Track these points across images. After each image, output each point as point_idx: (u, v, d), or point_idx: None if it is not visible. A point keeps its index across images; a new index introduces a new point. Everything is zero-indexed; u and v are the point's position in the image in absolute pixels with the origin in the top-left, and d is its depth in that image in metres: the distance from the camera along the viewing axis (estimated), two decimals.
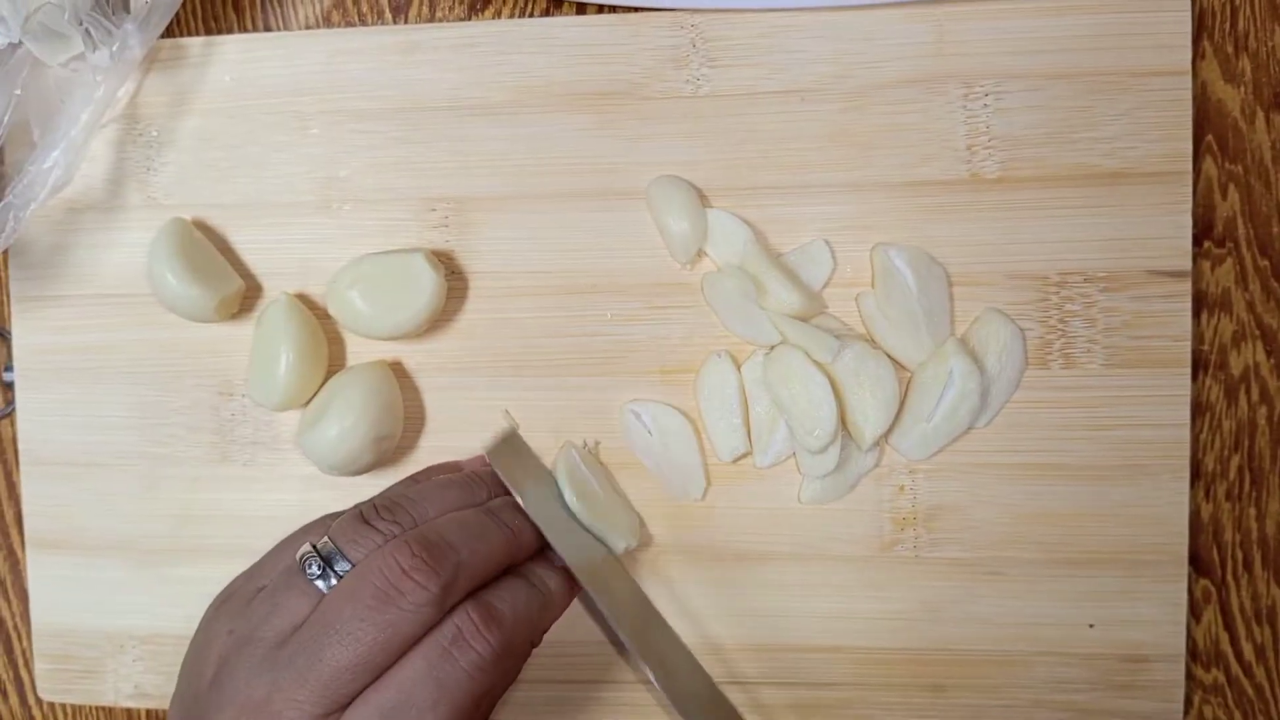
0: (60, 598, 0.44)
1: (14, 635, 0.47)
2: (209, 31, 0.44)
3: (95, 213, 0.43)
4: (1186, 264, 0.39)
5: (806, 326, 0.39)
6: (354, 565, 0.32)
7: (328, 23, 0.44)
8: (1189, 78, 0.39)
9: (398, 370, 0.42)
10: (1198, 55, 0.40)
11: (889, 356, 0.39)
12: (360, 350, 0.42)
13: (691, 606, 0.41)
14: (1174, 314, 0.39)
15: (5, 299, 0.44)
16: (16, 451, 0.44)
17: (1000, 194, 0.39)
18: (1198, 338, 0.41)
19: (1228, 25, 0.40)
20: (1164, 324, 0.39)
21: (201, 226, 0.43)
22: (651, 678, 0.36)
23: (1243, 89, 0.40)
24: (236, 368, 0.43)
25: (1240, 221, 0.40)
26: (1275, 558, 0.41)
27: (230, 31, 0.44)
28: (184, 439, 0.43)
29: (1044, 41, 0.39)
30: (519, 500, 0.36)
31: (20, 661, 0.47)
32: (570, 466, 0.38)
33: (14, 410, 0.44)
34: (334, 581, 0.32)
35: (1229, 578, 0.41)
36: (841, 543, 0.41)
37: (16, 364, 0.44)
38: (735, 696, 0.40)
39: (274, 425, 0.43)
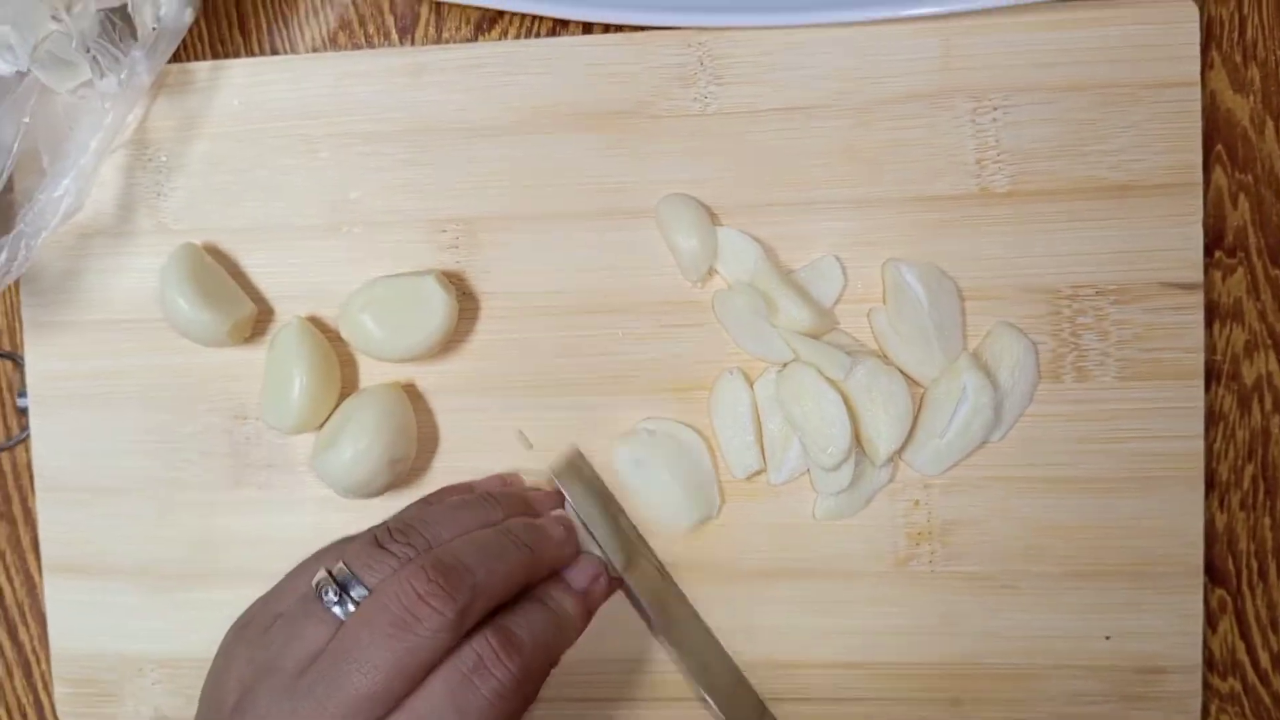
0: (78, 622, 0.44)
1: (33, 659, 0.47)
2: (216, 55, 0.44)
3: (106, 238, 0.43)
4: (1198, 276, 0.39)
5: (818, 343, 0.39)
6: (370, 591, 0.33)
7: (334, 44, 0.44)
8: (1198, 89, 0.39)
9: (411, 392, 0.42)
10: (1206, 65, 0.40)
11: (901, 372, 0.39)
12: (373, 372, 0.42)
13: (708, 623, 0.41)
14: (1186, 325, 0.39)
15: (19, 325, 0.44)
16: (32, 477, 0.44)
17: (1010, 208, 0.39)
18: (1210, 348, 0.41)
19: (1236, 35, 0.40)
20: (1176, 336, 0.39)
21: (212, 251, 0.43)
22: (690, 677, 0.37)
23: (1252, 98, 0.40)
24: (250, 392, 0.43)
25: (1251, 231, 0.40)
26: None
27: (238, 55, 0.44)
28: (198, 463, 0.43)
29: (1052, 54, 0.39)
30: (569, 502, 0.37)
31: (40, 685, 0.47)
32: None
33: (29, 436, 0.44)
34: (351, 608, 0.33)
35: (1244, 587, 0.41)
36: (857, 558, 0.41)
37: (31, 390, 0.44)
38: None
39: (288, 449, 0.43)
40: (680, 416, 0.41)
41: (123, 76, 0.40)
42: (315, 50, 0.44)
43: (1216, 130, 0.40)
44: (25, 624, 0.47)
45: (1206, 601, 0.41)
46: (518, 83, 0.41)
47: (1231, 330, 0.41)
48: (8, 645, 0.47)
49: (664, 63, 0.41)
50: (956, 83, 0.39)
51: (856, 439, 0.39)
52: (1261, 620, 0.41)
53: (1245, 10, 0.40)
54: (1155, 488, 0.39)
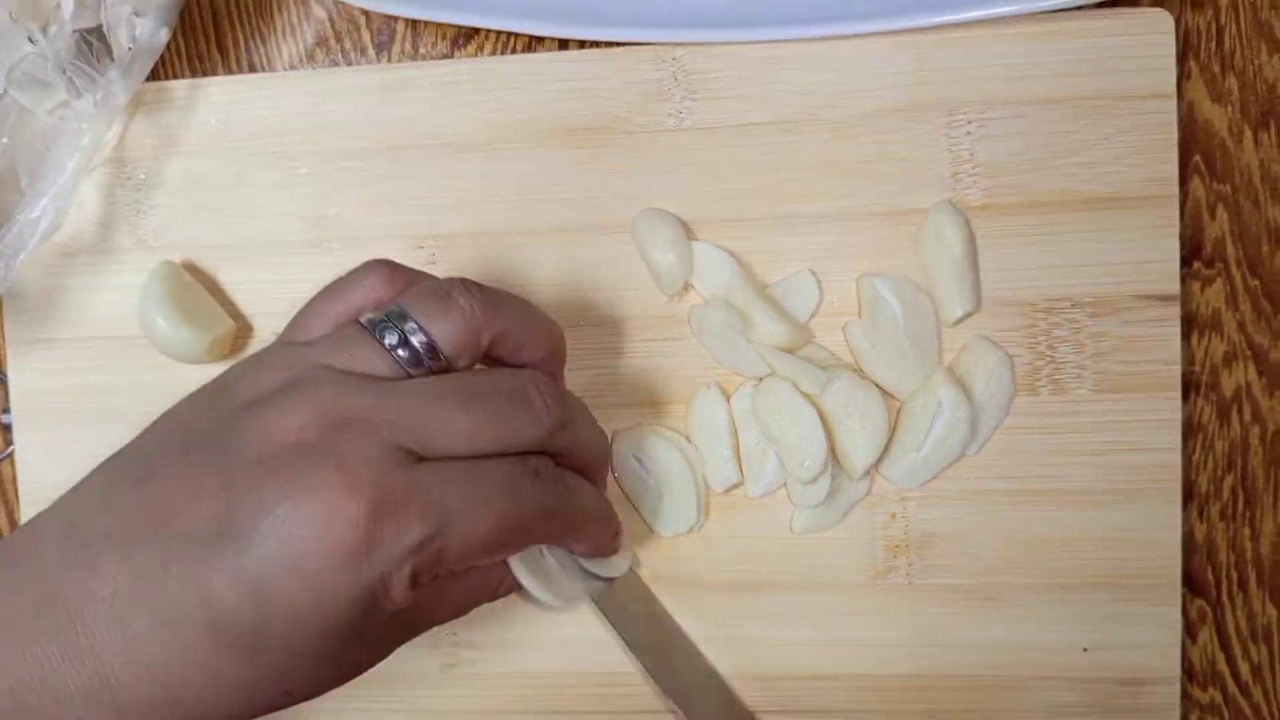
0: None
1: None
2: (194, 72, 0.44)
3: (86, 256, 0.43)
4: (1175, 288, 0.39)
5: (794, 358, 0.39)
6: (433, 337, 0.31)
7: (312, 61, 0.44)
8: (1174, 100, 0.38)
9: None
10: (1184, 75, 0.40)
11: (877, 386, 0.39)
12: None
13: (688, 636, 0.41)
14: (1163, 338, 0.39)
15: (1, 342, 0.45)
16: (17, 492, 0.45)
17: (985, 221, 0.39)
18: (1188, 359, 0.40)
19: (1213, 44, 0.40)
20: (1153, 348, 0.39)
21: (191, 268, 0.43)
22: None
23: (1230, 108, 0.40)
24: None
25: (1229, 242, 0.40)
26: (1270, 577, 0.41)
27: (215, 72, 0.44)
28: None
29: (1026, 67, 0.39)
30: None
31: None
32: None
33: (13, 451, 0.45)
34: (415, 347, 0.31)
35: (1224, 598, 0.41)
36: (835, 571, 0.41)
37: (14, 406, 0.44)
38: None
39: None
40: (658, 431, 0.41)
41: (99, 96, 0.40)
42: (293, 67, 0.44)
43: (1194, 141, 0.40)
44: None
45: (1186, 612, 0.41)
46: (494, 99, 0.41)
47: (1210, 341, 0.41)
48: None
49: (639, 78, 0.41)
50: (931, 97, 0.39)
51: (833, 453, 0.39)
52: (1241, 631, 0.41)
53: (1223, 20, 0.40)
54: (1134, 499, 0.39)
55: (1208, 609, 0.41)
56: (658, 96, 0.41)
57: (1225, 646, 0.41)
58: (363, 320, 0.32)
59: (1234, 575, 0.41)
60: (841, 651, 0.41)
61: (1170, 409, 0.39)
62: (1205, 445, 0.41)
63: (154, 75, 0.43)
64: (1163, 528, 0.39)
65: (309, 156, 0.42)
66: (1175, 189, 0.39)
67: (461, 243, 0.42)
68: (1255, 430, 0.41)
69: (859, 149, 0.40)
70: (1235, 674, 0.41)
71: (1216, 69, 0.40)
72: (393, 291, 0.33)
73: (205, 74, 0.44)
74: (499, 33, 0.42)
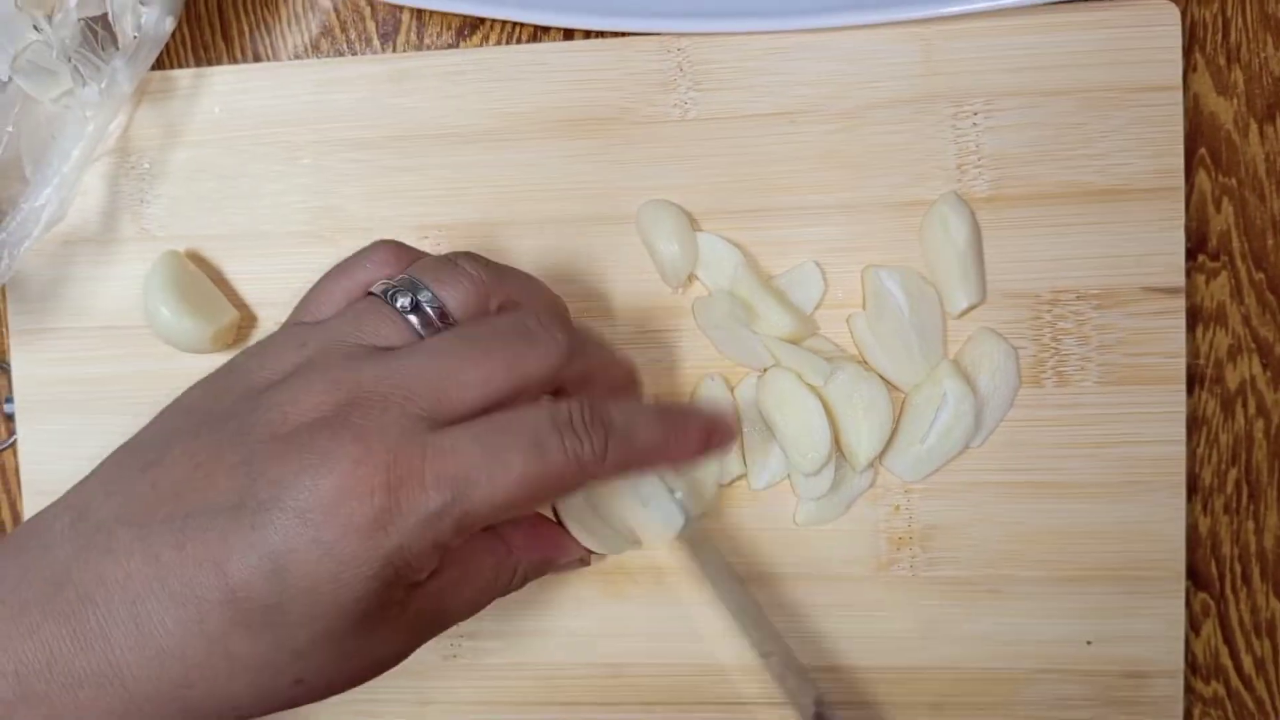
0: None
1: None
2: (199, 61, 0.44)
3: (90, 246, 0.43)
4: (1180, 280, 0.39)
5: (798, 349, 0.39)
6: (443, 301, 0.31)
7: (317, 50, 0.44)
8: (1180, 92, 0.38)
9: None
10: (1189, 68, 0.40)
11: (882, 378, 0.39)
12: None
13: (690, 628, 0.41)
14: (1168, 330, 0.39)
15: (4, 332, 0.45)
16: (20, 483, 0.45)
17: (991, 212, 0.39)
18: (1193, 352, 0.40)
19: (1219, 37, 0.40)
20: (1158, 340, 0.39)
21: (195, 258, 0.43)
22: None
23: (1235, 101, 0.40)
24: None
25: (1235, 235, 0.40)
26: (1274, 570, 0.41)
27: (220, 62, 0.44)
28: None
29: (1033, 59, 0.39)
30: None
31: None
32: None
33: (16, 441, 0.45)
34: (428, 312, 0.31)
35: (1228, 591, 0.41)
36: (838, 563, 0.41)
37: (17, 396, 0.44)
38: (735, 717, 0.41)
39: None
40: None
41: (104, 85, 0.40)
42: (297, 57, 0.44)
43: (1200, 134, 0.40)
44: None
45: (1190, 605, 0.41)
46: (499, 89, 0.41)
47: (1215, 334, 0.40)
48: None
49: (644, 69, 0.40)
50: (937, 88, 0.39)
51: (837, 445, 0.39)
52: (1245, 624, 0.41)
53: (1229, 13, 0.40)
54: (1138, 492, 0.39)
55: (1211, 602, 0.41)
56: (663, 87, 0.40)
57: (1229, 640, 0.41)
58: (374, 290, 0.32)
59: (1238, 569, 0.41)
60: (844, 644, 0.41)
61: (1175, 402, 0.39)
62: (1209, 438, 0.41)
63: (159, 64, 0.42)
64: (1167, 521, 0.39)
65: (313, 146, 0.42)
66: (1181, 181, 0.39)
67: (465, 233, 0.42)
68: (1260, 424, 0.41)
69: (865, 140, 0.40)
70: (1238, 667, 0.41)
71: (1222, 61, 0.40)
72: (400, 267, 0.33)
73: (210, 63, 0.44)
74: (504, 23, 0.42)
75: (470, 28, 0.43)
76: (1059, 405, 0.39)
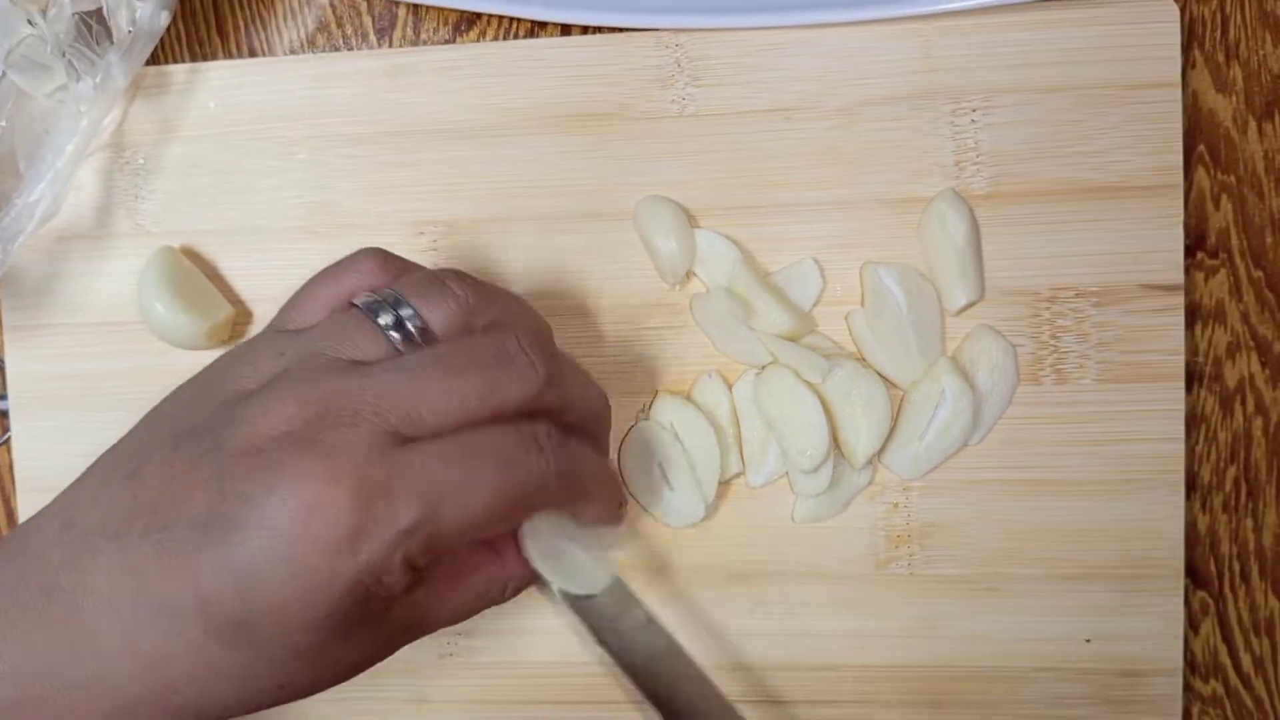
0: None
1: None
2: (194, 57, 0.44)
3: (84, 241, 0.43)
4: (1179, 277, 0.39)
5: (796, 346, 0.39)
6: (426, 321, 0.31)
7: (313, 46, 0.43)
8: (1179, 89, 0.38)
9: None
10: (1188, 65, 0.40)
11: (880, 375, 0.39)
12: None
13: (686, 626, 0.41)
14: (1167, 328, 0.39)
15: None
16: (14, 479, 0.44)
17: (989, 209, 0.39)
18: (1192, 349, 0.40)
19: (1218, 34, 0.40)
20: (1157, 338, 0.39)
21: (190, 253, 0.43)
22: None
23: (1234, 98, 0.40)
24: None
25: (1234, 232, 0.40)
26: (1273, 569, 0.41)
27: (215, 57, 0.44)
28: None
29: (1031, 55, 0.39)
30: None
31: None
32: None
33: (9, 438, 0.44)
34: (409, 329, 0.31)
35: (1226, 589, 0.41)
36: (836, 561, 0.41)
37: (11, 392, 0.44)
38: None
39: None
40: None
41: (98, 80, 0.40)
42: (293, 52, 0.43)
43: (1198, 131, 0.40)
44: None
45: (1188, 604, 0.41)
46: (496, 84, 0.41)
47: (1213, 332, 0.40)
48: None
49: (642, 64, 0.40)
50: (935, 84, 0.39)
51: (835, 442, 0.39)
52: (1244, 623, 0.41)
53: (1228, 10, 0.40)
54: (1136, 490, 0.39)
55: (1210, 601, 0.41)
56: (660, 83, 0.40)
57: (1227, 638, 0.41)
58: (357, 302, 0.32)
59: (1236, 567, 0.41)
60: (842, 642, 0.41)
61: (1173, 399, 0.39)
62: (1208, 436, 0.41)
63: (154, 59, 0.42)
64: (1165, 519, 0.39)
65: (309, 142, 0.42)
66: (1180, 179, 0.39)
67: (461, 229, 0.41)
68: (1258, 421, 0.40)
69: (863, 136, 0.40)
70: (1237, 666, 0.41)
71: (1221, 59, 0.40)
72: (386, 278, 0.33)
73: (205, 58, 0.44)
74: (501, 18, 0.42)
75: (467, 23, 0.43)
76: (1057, 403, 0.39)
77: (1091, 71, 0.39)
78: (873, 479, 0.40)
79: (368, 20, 0.43)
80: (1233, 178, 0.40)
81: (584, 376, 0.35)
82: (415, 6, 0.43)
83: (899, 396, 0.40)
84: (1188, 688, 0.41)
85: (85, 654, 0.28)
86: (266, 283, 0.42)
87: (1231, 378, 0.40)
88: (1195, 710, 0.41)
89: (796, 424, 0.39)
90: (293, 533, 0.27)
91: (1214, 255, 0.40)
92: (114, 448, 0.33)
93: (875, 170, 0.40)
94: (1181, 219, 0.39)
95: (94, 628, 0.28)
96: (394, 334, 0.31)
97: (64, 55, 0.39)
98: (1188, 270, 0.40)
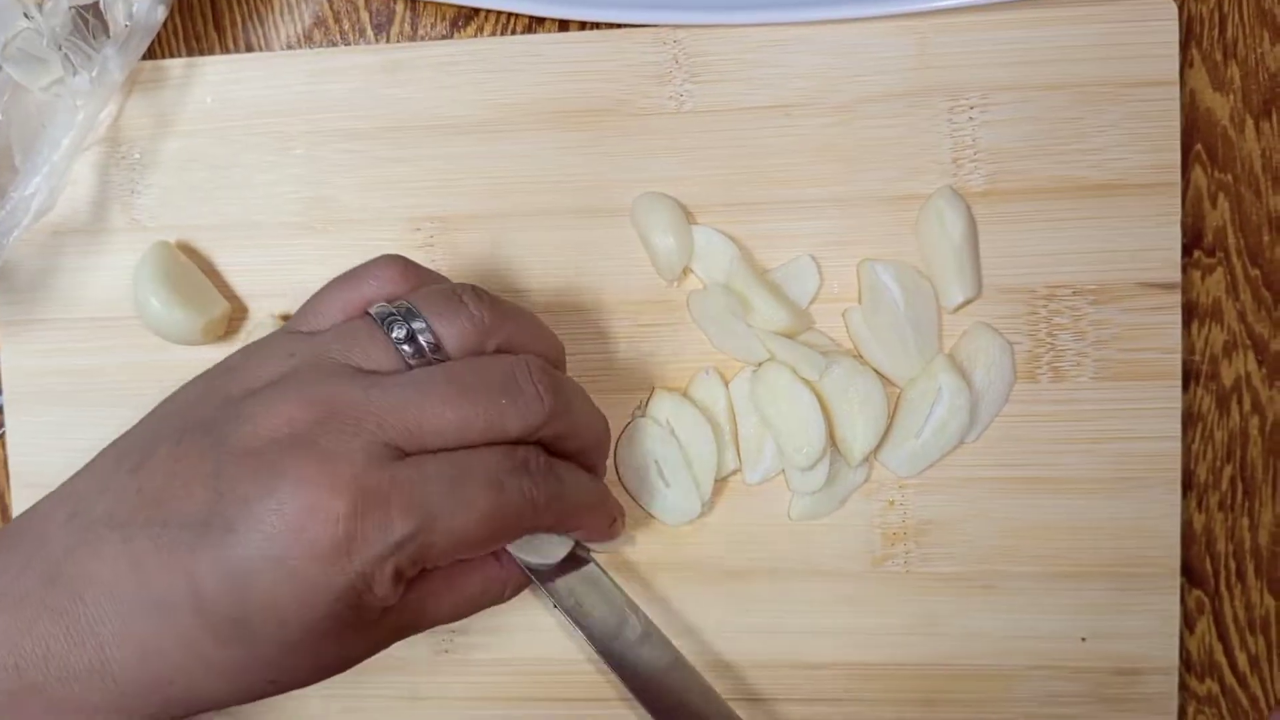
0: None
1: None
2: (190, 51, 0.44)
3: (80, 236, 0.43)
4: (1176, 276, 0.39)
5: (793, 343, 0.39)
6: (439, 337, 0.31)
7: (310, 41, 0.43)
8: (1176, 88, 0.38)
9: None
10: (1186, 63, 0.40)
11: (877, 372, 0.39)
12: None
13: (682, 623, 0.41)
14: (1164, 326, 0.39)
15: None
16: (8, 474, 0.44)
17: (987, 207, 0.39)
18: (1188, 348, 0.40)
19: (1216, 33, 0.40)
20: (1154, 336, 0.39)
21: (186, 249, 0.42)
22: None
23: (1232, 97, 0.40)
24: None
25: (1230, 231, 0.40)
26: (1268, 567, 0.41)
27: (212, 51, 0.44)
28: None
29: (1029, 53, 0.39)
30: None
31: None
32: None
33: (4, 433, 0.44)
34: (421, 344, 0.31)
35: (1222, 588, 0.41)
36: (832, 558, 0.40)
37: (5, 387, 0.44)
38: None
39: None
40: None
41: (95, 73, 0.40)
42: (290, 47, 0.43)
43: (1196, 129, 0.40)
44: None
45: (1184, 602, 0.41)
46: (493, 80, 0.41)
47: (1210, 330, 0.40)
48: None
49: (640, 60, 0.40)
50: (933, 81, 0.39)
51: (831, 439, 0.39)
52: (1239, 621, 0.41)
53: (1225, 8, 0.40)
54: (1132, 488, 0.39)
55: (1206, 599, 0.41)
56: (658, 79, 0.40)
57: (1223, 637, 0.41)
58: (372, 312, 0.32)
59: (1232, 565, 0.41)
60: (838, 639, 0.41)
61: (1170, 398, 0.39)
62: (1204, 435, 0.41)
63: (150, 54, 0.42)
64: (1161, 517, 0.39)
65: (306, 137, 0.42)
66: (1177, 177, 0.39)
67: (458, 225, 0.41)
68: (1255, 420, 0.40)
69: (861, 133, 0.40)
70: (1233, 665, 0.41)
71: (1219, 57, 0.40)
72: (405, 288, 0.33)
73: (202, 53, 0.44)
74: (498, 14, 0.42)
75: (464, 18, 0.43)
76: (1054, 400, 0.39)
77: (1089, 69, 0.39)
78: (869, 476, 0.40)
79: (365, 15, 0.43)
80: (1230, 176, 0.40)
81: (589, 404, 0.35)
82: (413, 2, 0.43)
83: (896, 394, 0.40)
84: (1183, 686, 0.41)
85: (86, 643, 0.28)
86: (262, 278, 0.42)
87: (1228, 376, 0.40)
88: (1191, 709, 0.41)
89: (793, 421, 0.39)
90: (289, 538, 0.28)
91: (1211, 254, 0.40)
92: (122, 438, 0.33)
93: (873, 167, 0.40)
94: (1179, 217, 0.39)
95: (95, 616, 0.28)
96: (405, 347, 0.31)
97: (60, 49, 0.39)
98: (1185, 269, 0.40)
